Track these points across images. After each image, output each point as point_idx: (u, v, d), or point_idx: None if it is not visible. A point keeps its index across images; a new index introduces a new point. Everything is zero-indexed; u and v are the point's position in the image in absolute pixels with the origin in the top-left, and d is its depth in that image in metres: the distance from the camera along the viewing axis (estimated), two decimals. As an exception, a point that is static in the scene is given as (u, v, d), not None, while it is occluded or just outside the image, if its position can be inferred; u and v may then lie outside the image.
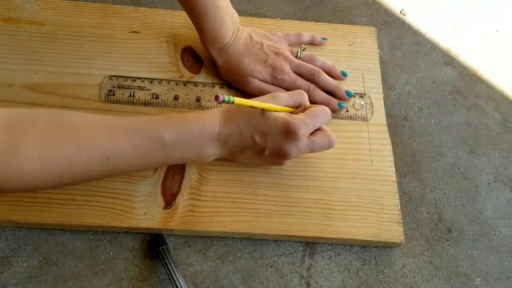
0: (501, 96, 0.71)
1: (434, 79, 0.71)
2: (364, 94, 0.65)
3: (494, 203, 0.62)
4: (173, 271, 0.51)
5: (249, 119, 0.52)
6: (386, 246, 0.57)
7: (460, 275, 0.57)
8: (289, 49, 0.64)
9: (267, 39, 0.63)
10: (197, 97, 0.62)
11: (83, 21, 0.66)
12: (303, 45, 0.64)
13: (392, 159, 0.61)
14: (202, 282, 0.53)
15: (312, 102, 0.60)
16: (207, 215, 0.55)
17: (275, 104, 0.53)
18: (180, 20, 0.68)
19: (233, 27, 0.60)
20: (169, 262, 0.51)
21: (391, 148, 0.62)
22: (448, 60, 0.73)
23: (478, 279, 0.57)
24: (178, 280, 0.50)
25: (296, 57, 0.63)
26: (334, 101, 0.63)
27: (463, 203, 0.62)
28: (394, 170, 0.60)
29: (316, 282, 0.54)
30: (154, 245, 0.53)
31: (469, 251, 0.58)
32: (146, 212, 0.54)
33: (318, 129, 0.55)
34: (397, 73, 0.71)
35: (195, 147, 0.51)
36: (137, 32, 0.66)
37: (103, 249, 0.54)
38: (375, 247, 0.57)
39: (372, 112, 0.63)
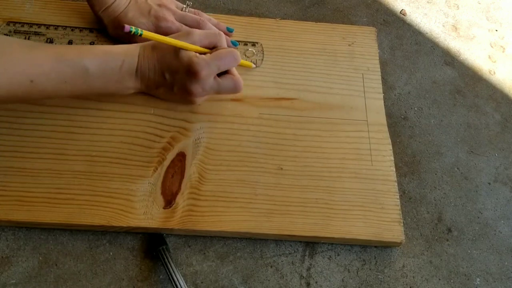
0: (501, 96, 0.71)
1: (434, 79, 0.71)
2: (257, 42, 0.67)
3: (494, 203, 0.62)
4: (173, 271, 0.51)
5: (162, 56, 0.55)
6: (386, 246, 0.57)
7: (460, 275, 0.57)
8: (175, 4, 0.66)
9: None
10: (90, 42, 0.64)
11: (83, 21, 0.66)
12: (188, 2, 0.66)
13: (392, 158, 0.61)
14: (202, 282, 0.53)
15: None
16: (207, 215, 0.55)
17: (189, 42, 0.55)
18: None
19: None
20: (169, 262, 0.51)
21: (391, 148, 0.62)
22: (448, 60, 0.74)
23: (478, 279, 0.57)
24: (178, 280, 0.50)
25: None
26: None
27: (463, 203, 0.62)
28: (394, 170, 0.60)
29: (316, 282, 0.54)
30: (154, 245, 0.53)
31: (469, 251, 0.58)
32: (146, 211, 0.54)
33: (228, 72, 0.57)
34: (397, 73, 0.71)
35: (116, 79, 0.55)
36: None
37: (103, 249, 0.54)
38: (375, 247, 0.57)
39: (262, 59, 0.66)
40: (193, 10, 0.66)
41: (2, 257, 0.52)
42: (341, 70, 0.67)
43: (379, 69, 0.68)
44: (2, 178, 0.54)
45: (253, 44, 0.67)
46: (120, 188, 0.55)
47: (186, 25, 0.63)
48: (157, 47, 0.56)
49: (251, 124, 0.61)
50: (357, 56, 0.69)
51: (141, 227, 0.53)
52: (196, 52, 0.56)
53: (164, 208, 0.54)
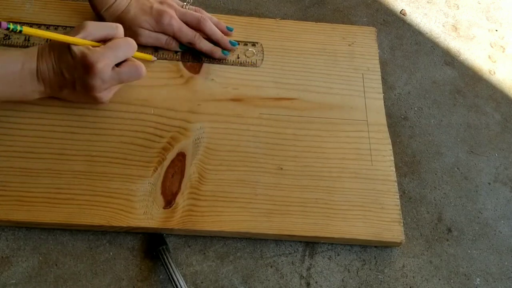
0: (501, 96, 0.71)
1: (434, 79, 0.71)
2: (257, 42, 0.67)
3: (494, 203, 0.62)
4: (173, 271, 0.51)
5: (59, 54, 0.53)
6: (386, 246, 0.57)
7: (460, 275, 0.57)
8: (175, 1, 0.65)
9: None
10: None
11: (83, 21, 0.66)
12: (188, 0, 0.65)
13: (392, 158, 0.61)
14: (202, 282, 0.53)
15: (197, 50, 0.64)
16: (207, 215, 0.55)
17: (81, 35, 0.54)
18: (180, 20, 0.68)
19: None
20: (169, 262, 0.51)
21: (391, 148, 0.62)
22: (448, 60, 0.73)
23: (478, 279, 0.57)
24: (178, 280, 0.50)
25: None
26: (219, 49, 0.65)
27: (463, 203, 0.62)
28: (394, 170, 0.60)
29: (316, 282, 0.54)
30: (154, 245, 0.53)
31: (469, 251, 0.58)
32: (146, 211, 0.54)
33: (126, 61, 0.56)
34: (397, 73, 0.71)
35: (18, 84, 0.53)
36: (137, 32, 0.66)
37: (103, 249, 0.54)
38: (375, 247, 0.57)
39: (262, 59, 0.65)
40: (193, 7, 0.66)
41: (2, 257, 0.52)
42: (341, 70, 0.67)
43: (379, 69, 0.68)
44: (2, 178, 0.54)
45: (253, 44, 0.67)
46: (120, 188, 0.55)
47: (186, 22, 0.63)
48: (53, 46, 0.54)
49: (251, 124, 0.61)
50: (357, 56, 0.69)
51: (141, 227, 0.53)
52: (88, 45, 0.54)
53: (164, 208, 0.54)
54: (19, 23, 0.55)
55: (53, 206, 0.53)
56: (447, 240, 0.59)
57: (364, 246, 0.57)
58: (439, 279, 0.56)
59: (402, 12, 0.78)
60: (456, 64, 0.73)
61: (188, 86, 0.63)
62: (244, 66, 0.65)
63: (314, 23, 0.71)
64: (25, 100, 0.57)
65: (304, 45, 0.69)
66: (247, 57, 0.66)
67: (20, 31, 0.49)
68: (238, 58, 0.66)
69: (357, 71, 0.67)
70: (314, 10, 0.76)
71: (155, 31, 0.62)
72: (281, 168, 0.58)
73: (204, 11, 0.66)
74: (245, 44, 0.67)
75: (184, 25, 0.63)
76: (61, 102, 0.59)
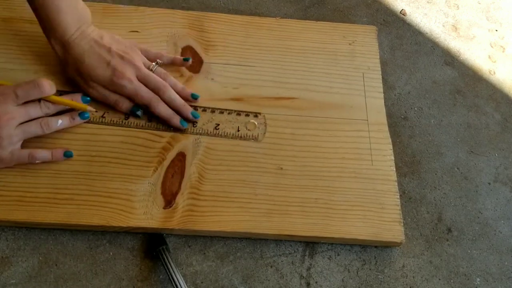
0: (501, 96, 0.71)
1: (434, 79, 0.71)
2: (259, 113, 0.61)
3: (494, 203, 0.62)
4: (173, 271, 0.51)
5: None
6: (386, 246, 0.57)
7: (460, 275, 0.57)
8: (142, 59, 0.60)
9: (120, 45, 0.58)
10: None
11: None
12: (158, 60, 0.61)
13: (393, 158, 0.61)
14: (202, 282, 0.53)
15: (155, 115, 0.58)
16: (207, 215, 0.54)
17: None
18: (180, 19, 0.68)
19: (78, 21, 0.56)
20: (169, 262, 0.51)
21: (392, 148, 0.62)
22: (448, 60, 0.73)
23: (478, 279, 0.57)
24: (178, 280, 0.50)
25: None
26: (177, 118, 0.58)
27: (463, 203, 0.62)
28: (395, 170, 0.60)
29: (316, 282, 0.54)
30: (154, 245, 0.53)
31: (469, 251, 0.58)
32: (146, 211, 0.54)
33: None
34: (397, 73, 0.71)
35: None
36: (137, 31, 0.66)
37: (103, 249, 0.54)
38: (375, 247, 0.57)
39: (265, 133, 0.60)
40: (161, 70, 0.60)
41: (2, 257, 0.52)
42: (341, 69, 0.67)
43: (379, 68, 0.68)
44: (2, 178, 0.54)
45: (255, 115, 0.61)
46: (120, 188, 0.55)
47: (147, 86, 0.58)
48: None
49: (251, 124, 0.61)
50: (357, 55, 0.69)
51: (141, 227, 0.53)
52: None
53: (164, 208, 0.54)
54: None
55: (53, 206, 0.53)
56: (447, 240, 0.59)
57: (364, 246, 0.57)
58: (439, 279, 0.56)
59: (402, 12, 0.78)
60: (456, 64, 0.73)
61: (188, 85, 0.63)
62: (244, 140, 0.59)
63: (314, 22, 0.71)
64: None
65: (304, 44, 0.68)
66: (248, 130, 0.60)
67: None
68: (238, 131, 0.60)
69: (358, 70, 0.67)
70: (314, 10, 0.76)
71: (107, 89, 0.58)
72: (281, 168, 0.58)
73: (170, 77, 0.61)
74: (247, 114, 0.61)
75: (142, 87, 0.57)
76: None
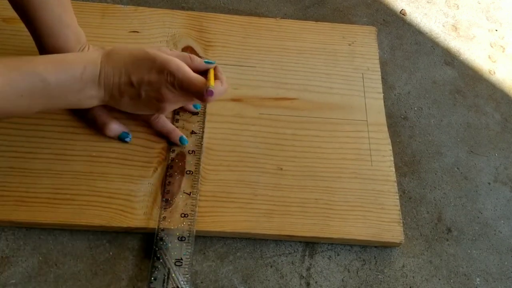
0: (501, 96, 0.71)
1: (434, 79, 0.71)
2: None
3: (494, 203, 0.62)
4: (173, 271, 0.51)
5: (132, 59, 0.51)
6: (386, 246, 0.57)
7: (460, 275, 0.57)
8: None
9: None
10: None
11: (83, 21, 0.65)
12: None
13: (392, 158, 0.61)
14: (202, 282, 0.53)
15: (156, 129, 0.58)
16: (207, 215, 0.55)
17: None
18: (180, 19, 0.68)
19: (77, 45, 0.56)
20: (169, 262, 0.51)
21: (391, 148, 0.62)
22: (448, 60, 0.73)
23: (478, 279, 0.57)
24: (178, 280, 0.50)
25: None
26: (177, 134, 0.58)
27: (463, 203, 0.62)
28: (394, 170, 0.60)
29: (316, 282, 0.54)
30: (154, 245, 0.53)
31: (469, 251, 0.58)
32: (146, 212, 0.54)
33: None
34: (397, 73, 0.71)
35: (77, 88, 0.49)
36: (137, 31, 0.66)
37: (103, 249, 0.54)
38: (375, 247, 0.57)
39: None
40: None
41: (2, 257, 0.52)
42: (341, 70, 0.67)
43: (379, 69, 0.68)
44: (2, 178, 0.54)
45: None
46: (120, 188, 0.55)
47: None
48: (121, 50, 0.52)
49: (251, 124, 0.61)
50: (357, 56, 0.69)
51: (141, 228, 0.53)
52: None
53: (164, 208, 0.54)
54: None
55: (53, 206, 0.53)
56: (447, 240, 0.59)
57: (364, 246, 0.57)
58: (439, 279, 0.56)
59: (402, 12, 0.78)
60: (456, 64, 0.73)
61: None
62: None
63: (314, 22, 0.71)
64: (78, 107, 0.53)
65: (304, 44, 0.69)
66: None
67: None
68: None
69: (357, 71, 0.67)
70: (314, 10, 0.76)
71: (105, 106, 0.56)
72: (281, 169, 0.58)
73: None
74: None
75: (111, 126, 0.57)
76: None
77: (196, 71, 0.54)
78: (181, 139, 0.58)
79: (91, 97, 0.51)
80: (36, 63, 0.47)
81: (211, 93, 0.51)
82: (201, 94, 0.51)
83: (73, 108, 0.53)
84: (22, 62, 0.47)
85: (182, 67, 0.51)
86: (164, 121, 0.58)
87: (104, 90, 0.51)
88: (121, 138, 0.58)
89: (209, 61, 0.57)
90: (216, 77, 0.55)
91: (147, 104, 0.53)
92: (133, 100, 0.53)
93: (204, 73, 0.55)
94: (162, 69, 0.51)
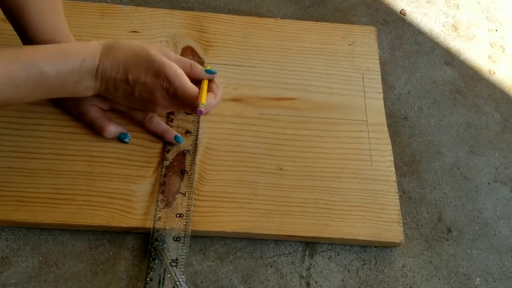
0: (501, 96, 0.71)
1: (434, 79, 0.71)
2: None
3: (494, 203, 0.62)
4: (173, 271, 0.51)
5: (133, 56, 0.51)
6: (386, 246, 0.57)
7: (460, 275, 0.57)
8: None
9: None
10: None
11: (82, 21, 0.66)
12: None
13: (392, 159, 0.61)
14: (202, 282, 0.53)
15: (149, 131, 0.58)
16: (207, 215, 0.55)
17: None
18: (179, 19, 0.68)
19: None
20: (169, 262, 0.51)
21: (391, 148, 0.62)
22: (448, 60, 0.73)
23: (478, 279, 0.57)
24: (178, 280, 0.50)
25: None
26: (172, 133, 0.58)
27: (463, 203, 0.62)
28: (394, 170, 0.60)
29: (316, 282, 0.54)
30: (153, 245, 0.53)
31: (469, 251, 0.58)
32: (146, 212, 0.54)
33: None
34: (397, 73, 0.71)
35: (74, 80, 0.50)
36: (137, 31, 0.66)
37: (103, 249, 0.54)
38: (375, 247, 0.57)
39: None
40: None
41: (2, 257, 0.52)
42: (341, 70, 0.67)
43: (379, 69, 0.68)
44: (2, 178, 0.54)
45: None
46: (120, 188, 0.55)
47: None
48: (123, 45, 0.52)
49: (251, 124, 0.61)
50: (357, 56, 0.69)
51: (141, 228, 0.53)
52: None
53: (164, 208, 0.54)
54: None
55: (53, 206, 0.53)
56: (447, 240, 0.59)
57: (364, 246, 0.57)
58: (439, 279, 0.56)
59: (402, 12, 0.78)
60: (456, 64, 0.73)
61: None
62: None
63: (314, 22, 0.71)
64: (74, 97, 0.53)
65: (304, 44, 0.69)
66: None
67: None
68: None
69: (357, 71, 0.67)
70: (314, 10, 0.76)
71: (102, 109, 0.57)
72: (281, 169, 0.58)
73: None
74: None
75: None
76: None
77: (195, 79, 0.54)
78: (176, 137, 0.58)
79: (86, 88, 0.52)
80: (37, 54, 0.47)
81: (200, 112, 0.51)
82: (194, 106, 0.52)
83: (67, 96, 0.53)
84: (23, 53, 0.47)
85: (180, 75, 0.52)
86: (157, 121, 0.58)
87: (100, 83, 0.52)
88: (120, 139, 0.58)
89: (210, 70, 0.57)
90: (210, 89, 0.55)
91: (139, 103, 0.55)
92: (126, 96, 0.54)
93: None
94: (159, 73, 0.51)
